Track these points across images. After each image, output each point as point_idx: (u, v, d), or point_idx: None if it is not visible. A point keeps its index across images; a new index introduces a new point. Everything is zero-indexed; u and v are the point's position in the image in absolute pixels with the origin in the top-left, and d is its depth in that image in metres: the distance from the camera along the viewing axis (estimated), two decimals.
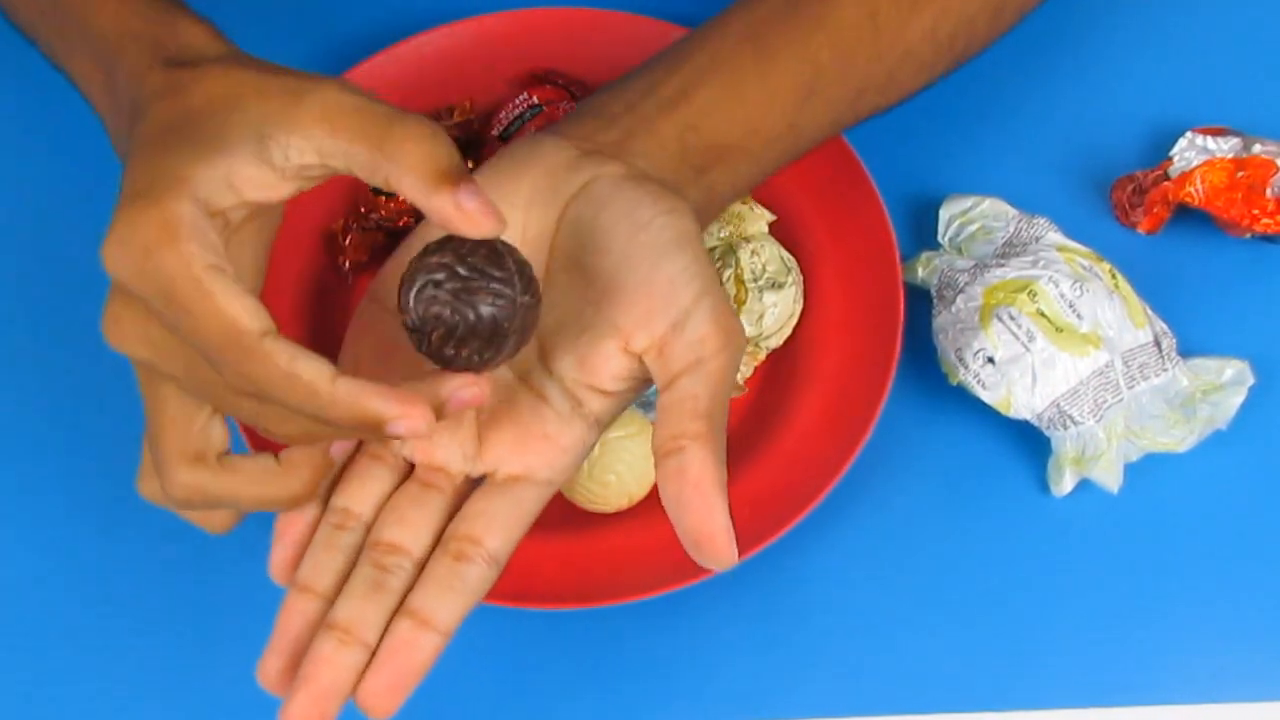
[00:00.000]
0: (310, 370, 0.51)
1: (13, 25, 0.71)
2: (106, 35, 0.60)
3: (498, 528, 0.57)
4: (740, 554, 0.69)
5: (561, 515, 0.73)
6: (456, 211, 0.51)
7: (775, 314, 0.74)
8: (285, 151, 0.52)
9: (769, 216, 0.77)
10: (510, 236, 0.59)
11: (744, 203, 0.77)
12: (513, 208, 0.59)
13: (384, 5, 0.84)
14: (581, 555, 0.71)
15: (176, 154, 0.52)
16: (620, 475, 0.71)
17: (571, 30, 0.81)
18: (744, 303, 0.74)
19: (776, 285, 0.74)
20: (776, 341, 0.75)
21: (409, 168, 0.51)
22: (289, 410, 0.52)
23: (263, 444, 0.71)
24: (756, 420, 0.75)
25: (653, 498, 0.73)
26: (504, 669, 0.70)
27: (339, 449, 0.57)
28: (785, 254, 0.76)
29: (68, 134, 0.81)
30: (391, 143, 0.51)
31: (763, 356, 0.75)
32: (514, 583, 0.70)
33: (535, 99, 0.79)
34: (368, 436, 0.54)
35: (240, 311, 0.51)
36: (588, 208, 0.59)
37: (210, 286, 0.50)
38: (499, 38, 0.80)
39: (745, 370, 0.75)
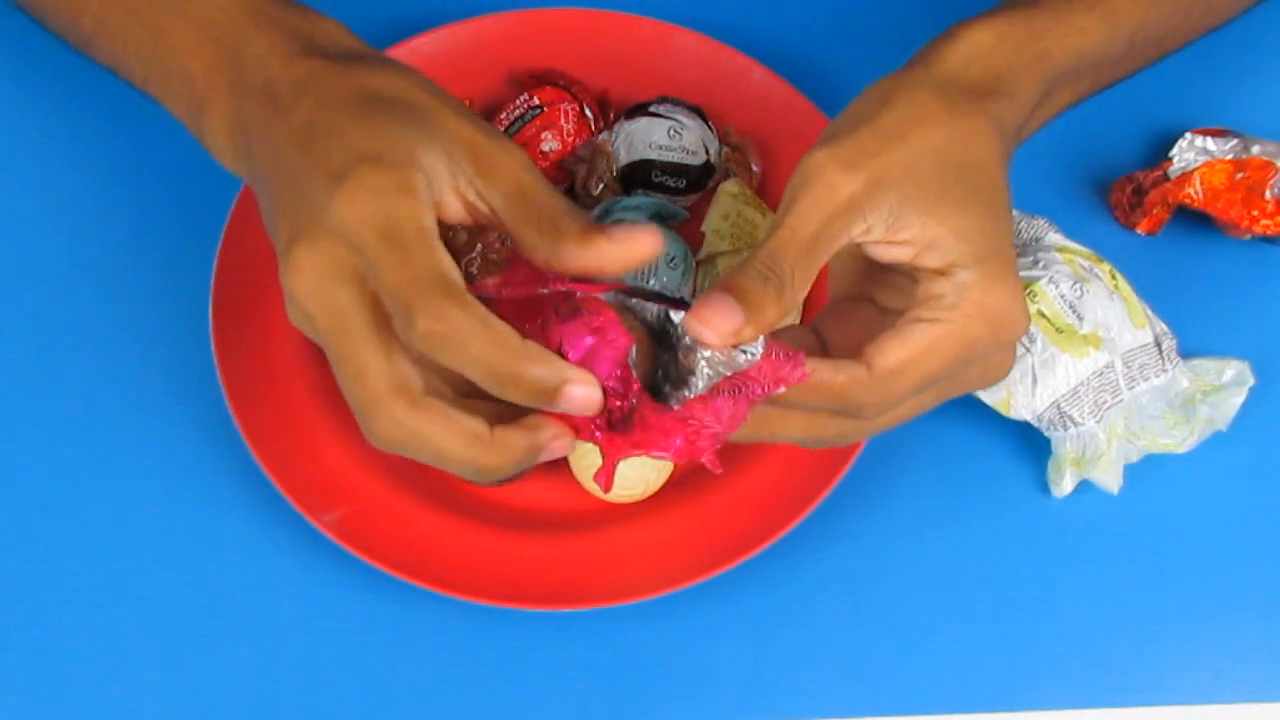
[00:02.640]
0: (503, 327, 0.54)
1: (62, 38, 0.71)
2: (229, 18, 0.62)
3: None
4: (740, 554, 0.70)
5: (561, 515, 0.73)
6: (611, 243, 0.56)
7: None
8: (468, 185, 0.57)
9: None
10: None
11: (760, 211, 0.77)
12: None
13: (384, 5, 0.84)
14: (581, 555, 0.71)
15: (395, 126, 0.57)
16: (638, 463, 0.71)
17: (571, 30, 0.81)
18: None
19: None
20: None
21: (564, 239, 0.56)
22: (462, 365, 0.54)
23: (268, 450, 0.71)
24: None
25: (653, 497, 0.73)
26: (504, 669, 0.70)
27: (554, 442, 0.57)
28: None
29: (69, 134, 0.81)
30: (554, 227, 0.56)
31: None
32: (514, 583, 0.70)
33: (536, 100, 0.79)
34: (536, 402, 0.55)
35: (446, 267, 0.54)
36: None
37: (433, 238, 0.55)
38: (499, 38, 0.80)
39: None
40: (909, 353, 0.57)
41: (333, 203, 0.54)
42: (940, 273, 0.58)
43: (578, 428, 0.56)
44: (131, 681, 0.70)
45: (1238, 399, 0.73)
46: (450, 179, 0.57)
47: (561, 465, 0.73)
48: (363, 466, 0.72)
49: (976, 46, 0.62)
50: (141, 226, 0.78)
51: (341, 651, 0.70)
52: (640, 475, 0.72)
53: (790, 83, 0.80)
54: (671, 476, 0.74)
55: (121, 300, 0.77)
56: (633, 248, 0.56)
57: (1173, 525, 0.74)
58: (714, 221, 0.77)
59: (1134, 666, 0.71)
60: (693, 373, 0.56)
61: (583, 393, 0.54)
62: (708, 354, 0.56)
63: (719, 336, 0.55)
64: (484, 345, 0.53)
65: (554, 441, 0.57)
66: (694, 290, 0.76)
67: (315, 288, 0.55)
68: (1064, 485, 0.73)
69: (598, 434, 0.56)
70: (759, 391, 0.56)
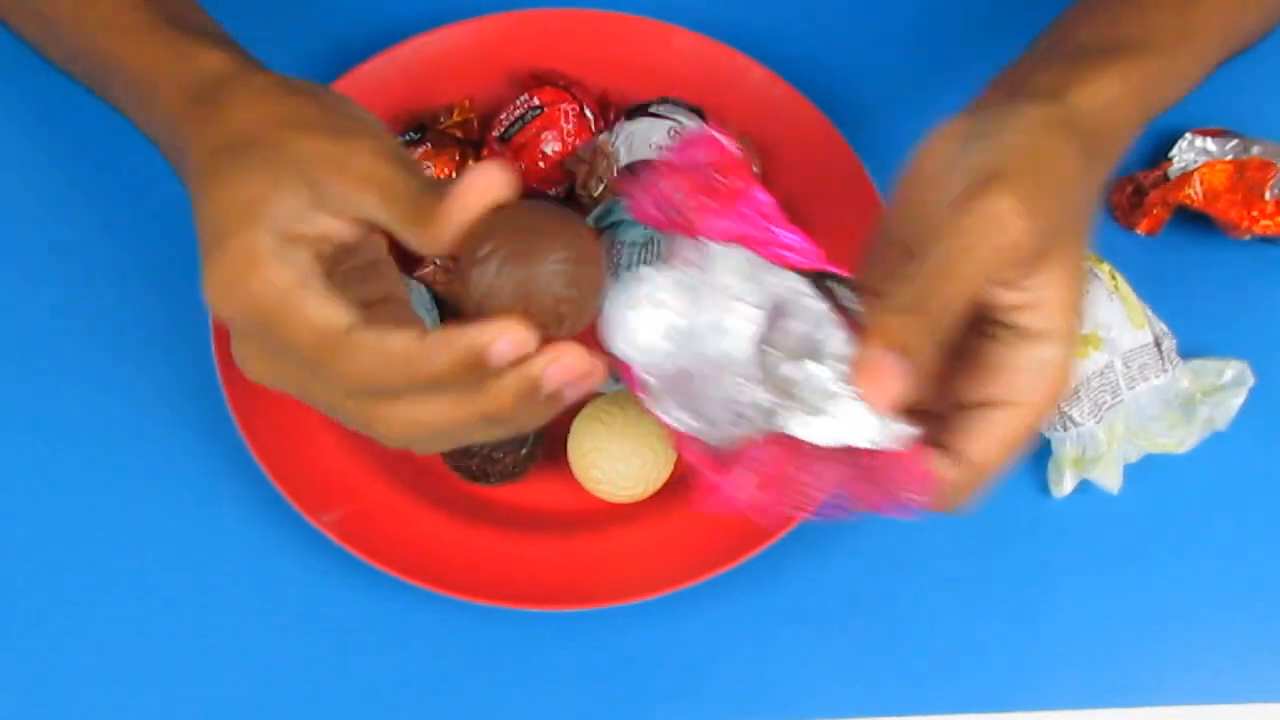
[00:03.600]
0: (398, 340, 0.53)
1: (69, 74, 0.71)
2: (140, 78, 0.62)
3: None
4: (740, 554, 0.70)
5: (561, 515, 0.73)
6: (456, 199, 0.53)
7: None
8: (337, 203, 0.55)
9: None
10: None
11: None
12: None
13: (384, 6, 0.84)
14: (581, 555, 0.71)
15: (236, 184, 0.55)
16: (639, 462, 0.71)
17: (571, 31, 0.81)
18: None
19: None
20: None
21: (435, 226, 0.54)
22: (392, 394, 0.54)
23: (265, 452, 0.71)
24: None
25: (653, 497, 0.73)
26: (504, 669, 0.70)
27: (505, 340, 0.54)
28: None
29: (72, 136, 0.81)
30: (425, 225, 0.54)
31: None
32: (514, 583, 0.70)
33: (536, 100, 0.79)
34: (477, 375, 0.53)
35: (326, 314, 0.53)
36: None
37: (295, 300, 0.53)
38: (499, 38, 0.80)
39: None
40: (999, 443, 0.57)
41: (205, 294, 0.54)
42: (1029, 337, 0.57)
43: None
44: (132, 681, 0.70)
45: (1237, 399, 0.73)
46: (315, 206, 0.55)
47: (562, 466, 0.74)
48: (363, 466, 0.72)
49: (1107, 97, 0.60)
50: (142, 228, 0.78)
51: (341, 651, 0.70)
52: (641, 474, 0.72)
53: (789, 82, 0.80)
54: (670, 476, 0.74)
55: (121, 301, 0.77)
56: (469, 198, 0.53)
57: (1172, 525, 0.74)
58: None
59: (1134, 666, 0.71)
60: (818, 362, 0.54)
61: (505, 343, 0.52)
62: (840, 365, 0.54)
63: (889, 405, 0.54)
64: (393, 370, 0.53)
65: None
66: None
67: (261, 373, 0.56)
68: (1064, 485, 0.73)
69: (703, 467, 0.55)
70: (878, 482, 0.55)
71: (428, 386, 0.53)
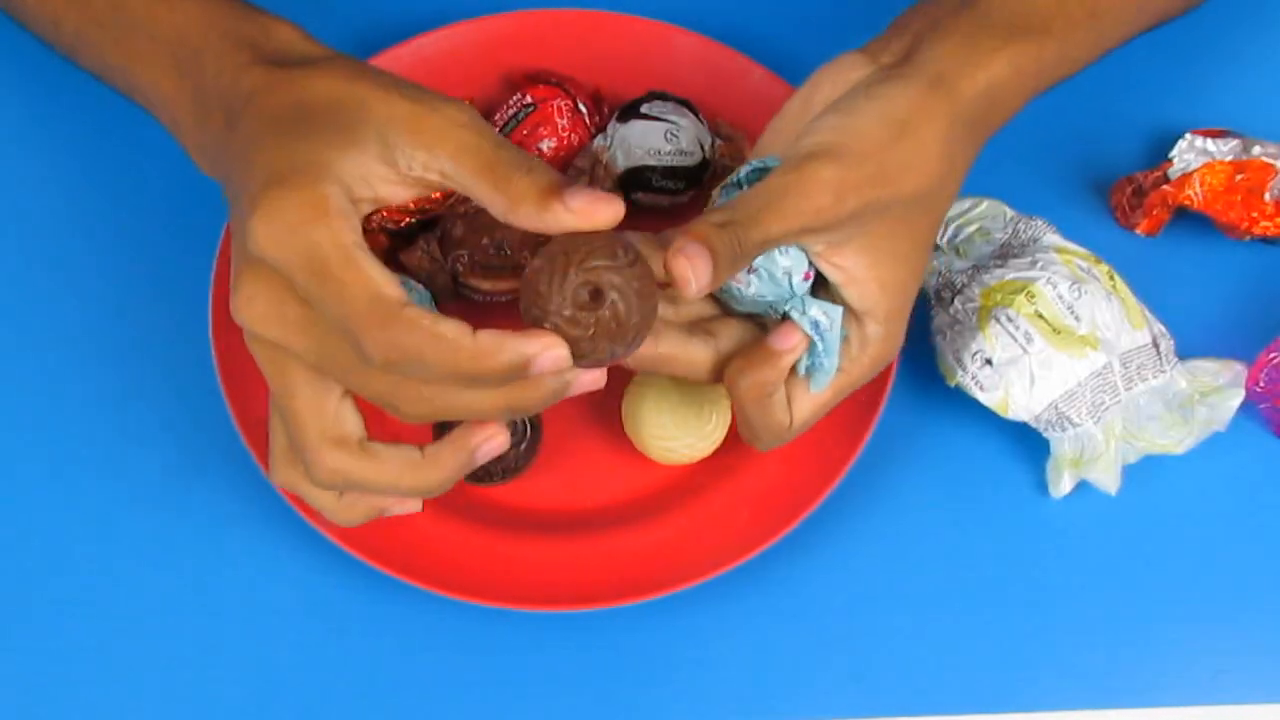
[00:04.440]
0: (452, 329, 0.54)
1: (47, 44, 0.71)
2: (186, 36, 0.62)
3: None
4: (740, 556, 0.70)
5: (562, 516, 0.73)
6: (570, 214, 0.55)
7: None
8: (409, 161, 0.56)
9: None
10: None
11: None
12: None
13: (383, 6, 0.84)
14: (581, 556, 0.71)
15: (309, 141, 0.56)
16: (715, 419, 0.73)
17: (571, 31, 0.81)
18: None
19: None
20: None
21: (520, 198, 0.55)
22: (427, 377, 0.55)
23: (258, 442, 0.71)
24: None
25: (653, 498, 0.73)
26: (504, 669, 0.70)
27: (485, 445, 0.58)
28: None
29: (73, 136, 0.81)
30: (509, 183, 0.55)
31: None
32: (514, 584, 0.70)
33: (529, 98, 0.79)
34: (510, 379, 0.55)
35: (385, 282, 0.54)
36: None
37: (360, 260, 0.54)
38: (498, 38, 0.80)
39: None
40: (818, 405, 0.64)
41: (252, 233, 0.54)
42: (851, 313, 0.63)
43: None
44: (133, 682, 0.70)
45: (1235, 400, 0.73)
46: (386, 166, 0.56)
47: (562, 466, 0.74)
48: None
49: (993, 81, 0.64)
50: (142, 227, 0.78)
51: (342, 653, 0.70)
52: (714, 432, 0.73)
53: (780, 76, 0.80)
54: (670, 477, 0.74)
55: (121, 301, 0.77)
56: (594, 219, 0.55)
57: (1171, 526, 0.74)
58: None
59: (1133, 667, 0.71)
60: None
61: (551, 357, 0.55)
62: None
63: (698, 289, 0.58)
64: (440, 356, 0.54)
65: (486, 444, 0.58)
66: None
67: (262, 318, 0.56)
68: (1062, 486, 0.73)
69: None
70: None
71: (468, 379, 0.54)
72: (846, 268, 0.62)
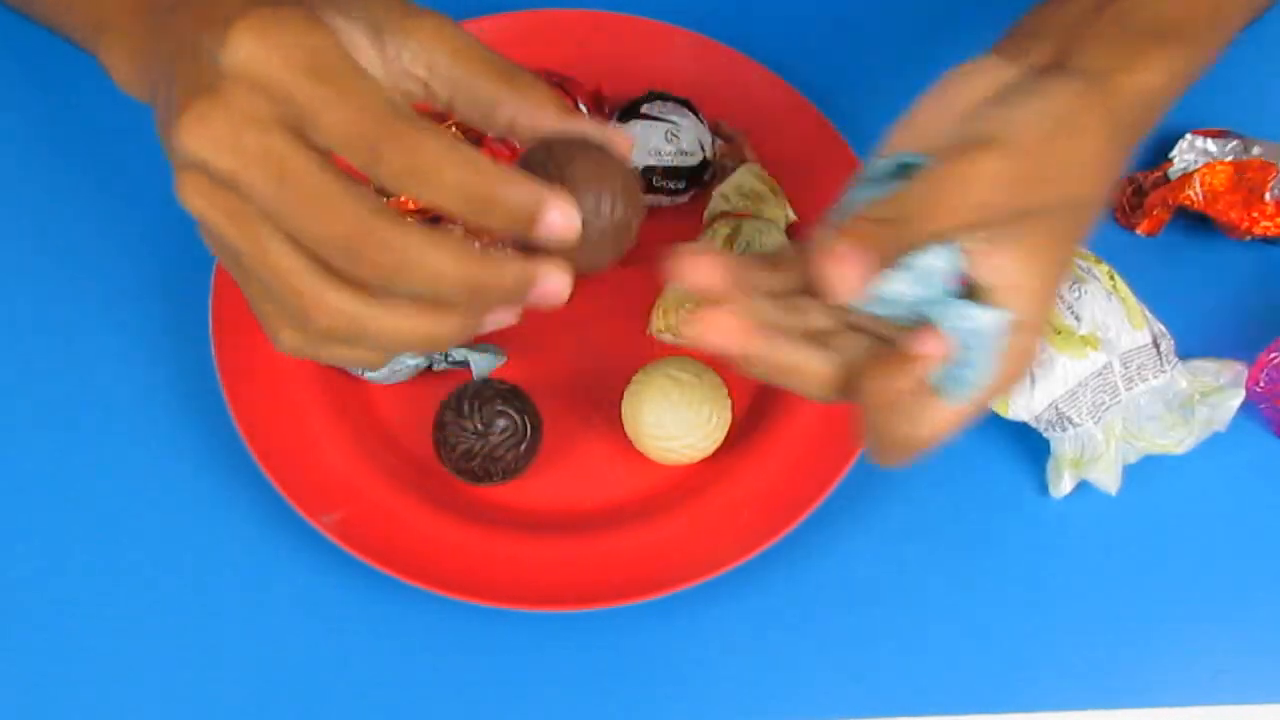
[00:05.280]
0: (474, 150, 0.49)
1: None
2: None
3: None
4: (740, 555, 0.70)
5: (561, 517, 0.73)
6: (600, 130, 0.54)
7: None
8: (399, 49, 0.53)
9: (790, 214, 0.77)
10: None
11: (772, 190, 0.77)
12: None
13: None
14: (581, 556, 0.71)
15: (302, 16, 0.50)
16: (716, 419, 0.72)
17: (571, 31, 0.81)
18: None
19: None
20: None
21: (542, 102, 0.53)
22: (431, 196, 0.49)
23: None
24: (757, 421, 0.75)
25: (653, 498, 0.73)
26: (504, 669, 0.70)
27: (553, 279, 0.52)
28: (788, 249, 0.76)
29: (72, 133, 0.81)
30: (520, 83, 0.53)
31: None
32: (514, 584, 0.70)
33: None
34: (515, 229, 0.51)
35: (390, 91, 0.50)
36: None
37: (360, 68, 0.49)
38: (499, 38, 0.80)
39: None
40: (953, 421, 0.59)
41: (229, 44, 0.48)
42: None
43: None
44: (131, 681, 0.70)
45: (1235, 400, 0.73)
46: (373, 48, 0.52)
47: (562, 466, 0.74)
48: (363, 467, 0.73)
49: (1148, 85, 0.60)
50: (142, 226, 0.78)
51: (341, 652, 0.70)
52: (715, 432, 0.72)
53: (785, 79, 0.80)
54: (670, 477, 0.74)
55: (121, 300, 0.77)
56: (612, 137, 0.54)
57: (1171, 526, 0.74)
58: (726, 188, 0.77)
59: (1133, 667, 0.71)
60: None
61: (562, 216, 0.51)
62: None
63: (850, 293, 0.54)
64: (459, 170, 0.49)
65: (550, 276, 0.52)
66: None
67: (232, 136, 0.48)
68: (1063, 486, 0.73)
69: None
70: None
71: (476, 207, 0.49)
72: (1003, 270, 0.57)
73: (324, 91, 0.48)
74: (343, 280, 0.50)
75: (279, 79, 0.48)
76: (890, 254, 0.55)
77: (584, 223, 0.52)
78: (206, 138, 0.49)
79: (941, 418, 0.58)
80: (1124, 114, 0.59)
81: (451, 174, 0.49)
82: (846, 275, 0.54)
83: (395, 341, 0.51)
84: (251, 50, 0.48)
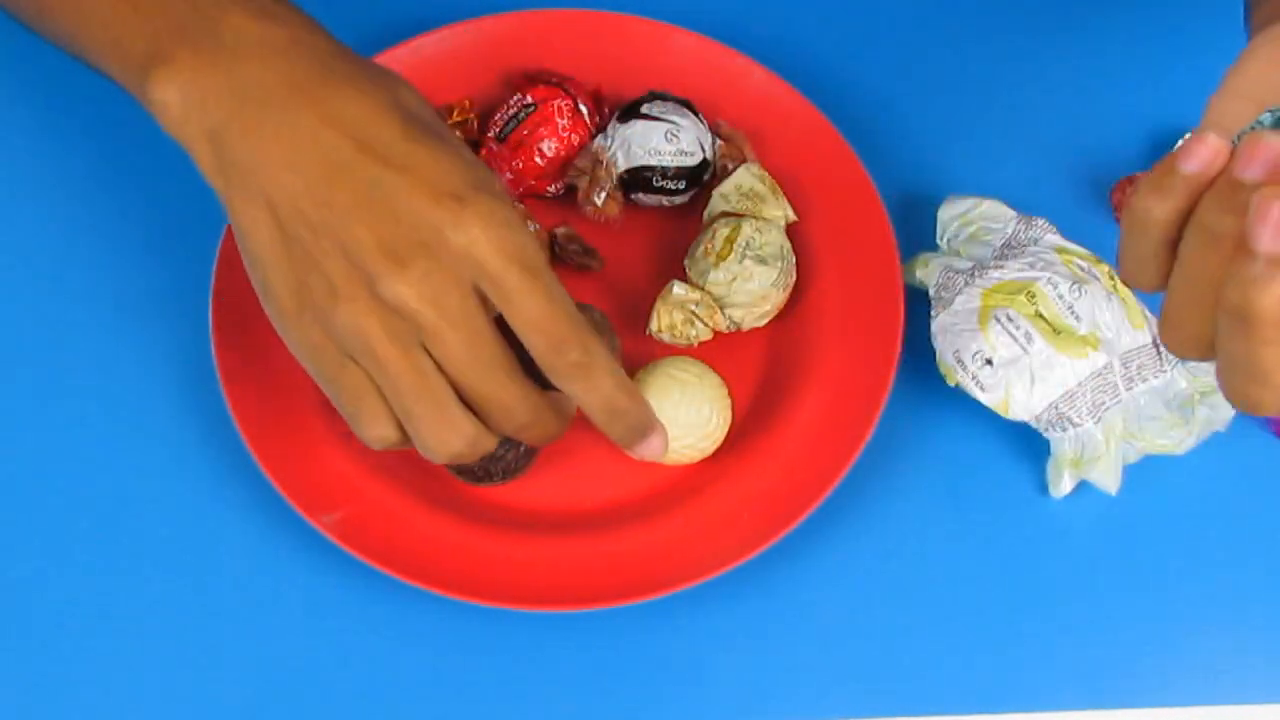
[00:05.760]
0: (622, 372, 0.63)
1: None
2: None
3: None
4: (740, 555, 0.70)
5: (561, 516, 0.73)
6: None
7: (749, 287, 0.74)
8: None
9: (790, 214, 0.77)
10: None
11: (772, 190, 0.77)
12: None
13: (383, 6, 0.84)
14: (581, 556, 0.71)
15: (472, 161, 0.61)
16: (717, 419, 0.73)
17: (571, 31, 0.81)
18: (725, 258, 0.74)
19: (762, 261, 0.74)
20: (745, 319, 0.75)
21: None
22: (587, 397, 0.62)
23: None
24: (757, 421, 0.75)
25: (653, 498, 0.73)
26: (504, 669, 0.70)
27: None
28: (787, 249, 0.76)
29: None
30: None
31: (723, 324, 0.75)
32: (514, 584, 0.70)
33: (529, 98, 0.79)
34: (625, 440, 0.65)
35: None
36: None
37: (553, 272, 0.60)
38: (498, 38, 0.80)
39: (703, 332, 0.75)
40: None
41: (462, 226, 0.57)
42: None
43: None
44: (131, 681, 0.70)
45: None
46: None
47: (562, 466, 0.74)
48: (363, 467, 0.73)
49: None
50: (142, 226, 0.78)
51: (341, 652, 0.70)
52: (718, 431, 0.72)
53: (784, 79, 0.80)
54: (670, 477, 0.74)
55: (121, 300, 0.77)
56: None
57: (1171, 526, 0.74)
58: (725, 188, 0.77)
59: (1133, 667, 0.71)
60: None
61: (657, 446, 0.64)
62: None
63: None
64: (615, 382, 0.61)
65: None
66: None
67: (445, 297, 0.58)
68: (1063, 486, 0.73)
69: None
70: None
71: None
72: None
73: (531, 286, 0.58)
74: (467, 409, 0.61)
75: (495, 264, 0.58)
76: None
77: None
78: (425, 291, 0.58)
79: None
80: None
81: (608, 383, 0.61)
82: None
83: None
84: (478, 235, 0.58)
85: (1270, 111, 0.54)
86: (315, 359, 0.61)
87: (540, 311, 0.59)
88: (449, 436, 0.61)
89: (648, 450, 0.65)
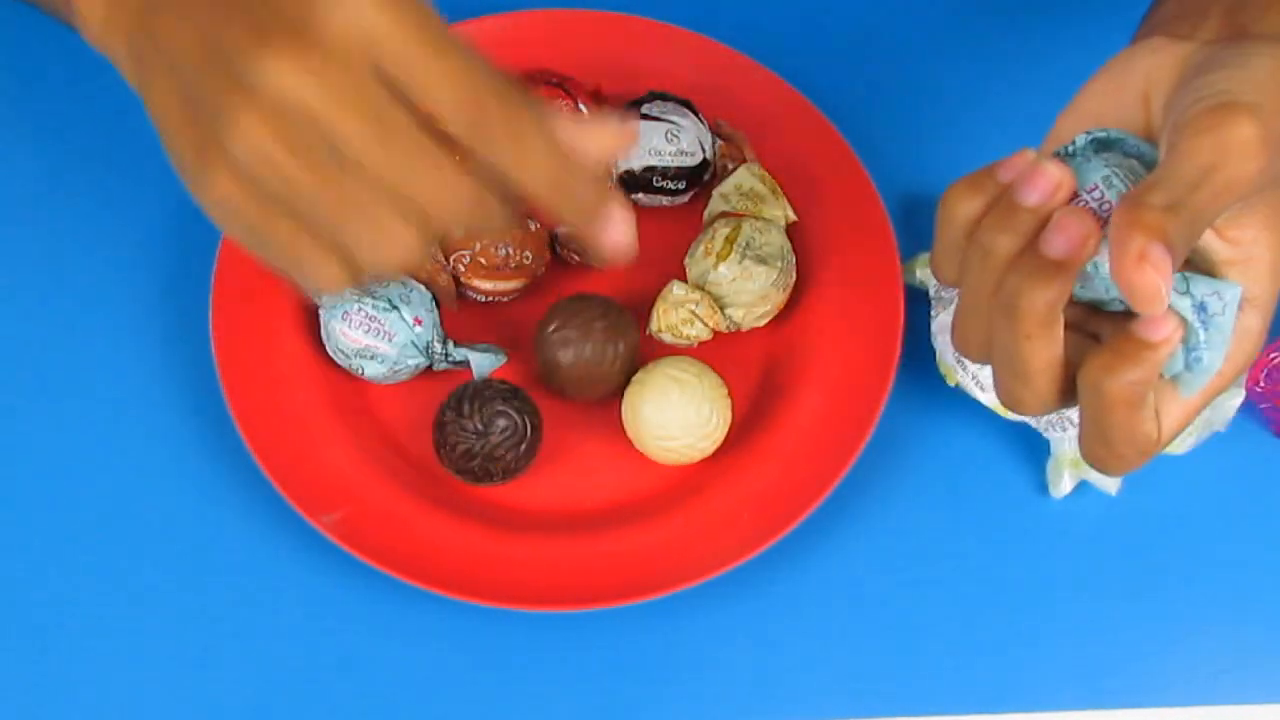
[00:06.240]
0: (556, 136, 0.50)
1: None
2: None
3: None
4: (740, 555, 0.70)
5: (561, 516, 0.73)
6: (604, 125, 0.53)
7: (750, 287, 0.74)
8: None
9: (790, 214, 0.77)
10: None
11: (771, 190, 0.77)
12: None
13: None
14: (581, 555, 0.71)
15: None
16: (716, 419, 0.72)
17: (571, 31, 0.81)
18: (725, 258, 0.74)
19: (762, 261, 0.74)
20: (745, 319, 0.75)
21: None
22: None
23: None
24: (757, 420, 0.75)
25: (653, 498, 0.73)
26: (504, 669, 0.70)
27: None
28: (788, 249, 0.76)
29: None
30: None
31: (723, 324, 0.75)
32: (514, 584, 0.70)
33: None
34: (581, 222, 0.52)
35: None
36: None
37: (466, 40, 0.50)
38: (499, 38, 0.80)
39: (703, 332, 0.75)
40: (1188, 412, 0.53)
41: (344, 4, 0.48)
42: None
43: None
44: (130, 682, 0.70)
45: (1235, 400, 0.73)
46: None
47: (562, 466, 0.74)
48: (363, 467, 0.73)
49: None
50: (142, 225, 0.78)
51: (341, 652, 0.70)
52: (718, 431, 0.72)
53: (784, 78, 0.80)
54: (670, 477, 0.74)
55: (121, 300, 0.77)
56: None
57: (1171, 526, 0.74)
58: (725, 188, 0.77)
59: (1133, 667, 0.71)
60: None
61: (623, 226, 0.52)
62: None
63: (1165, 300, 0.48)
64: (549, 156, 0.50)
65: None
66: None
67: (331, 78, 0.49)
68: (1062, 486, 0.73)
69: None
70: None
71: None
72: (1244, 243, 0.52)
73: (436, 57, 0.49)
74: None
75: (391, 39, 0.49)
76: (1183, 248, 0.49)
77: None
78: (302, 72, 0.48)
79: (1177, 409, 0.53)
80: None
81: (540, 148, 0.50)
82: (1163, 284, 0.48)
83: (450, 214, 0.52)
84: (365, 7, 0.49)
85: (1088, 134, 0.55)
86: (234, 215, 0.52)
87: (456, 81, 0.49)
88: (389, 247, 0.51)
89: (614, 232, 0.53)
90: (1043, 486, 0.74)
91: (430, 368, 0.75)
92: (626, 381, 0.73)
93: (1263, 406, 0.75)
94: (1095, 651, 0.71)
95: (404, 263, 0.52)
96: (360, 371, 0.74)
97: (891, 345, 0.73)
